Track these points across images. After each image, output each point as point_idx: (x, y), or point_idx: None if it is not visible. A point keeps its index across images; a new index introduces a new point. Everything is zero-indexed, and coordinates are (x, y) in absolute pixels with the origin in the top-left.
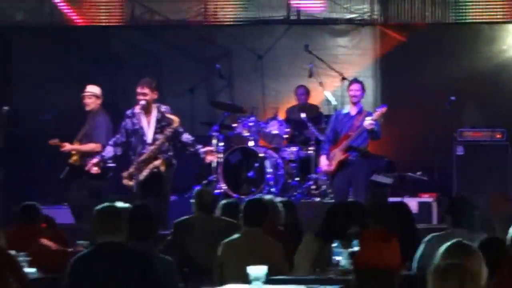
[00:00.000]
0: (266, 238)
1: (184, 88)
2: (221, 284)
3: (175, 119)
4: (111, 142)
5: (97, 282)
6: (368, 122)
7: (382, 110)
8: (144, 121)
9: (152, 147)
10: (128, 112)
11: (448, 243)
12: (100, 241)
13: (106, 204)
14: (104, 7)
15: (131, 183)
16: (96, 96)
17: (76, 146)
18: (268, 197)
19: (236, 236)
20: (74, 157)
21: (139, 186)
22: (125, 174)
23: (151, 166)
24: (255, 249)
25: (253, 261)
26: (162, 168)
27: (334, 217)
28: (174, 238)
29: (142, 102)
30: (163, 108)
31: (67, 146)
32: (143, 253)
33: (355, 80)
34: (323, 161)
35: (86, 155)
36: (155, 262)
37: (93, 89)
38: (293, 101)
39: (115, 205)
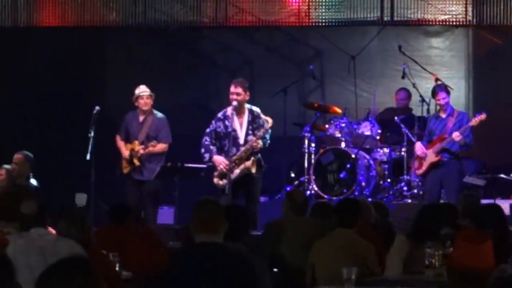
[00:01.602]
0: (358, 239)
1: (277, 89)
2: (313, 285)
3: (269, 120)
4: (210, 145)
5: (195, 282)
6: (455, 134)
7: (481, 117)
8: (236, 123)
9: (244, 148)
10: (220, 114)
11: None
12: (198, 241)
13: (207, 202)
14: (196, 7)
15: (221, 182)
16: (152, 96)
17: (151, 149)
18: (360, 198)
19: (328, 237)
20: (136, 161)
21: (230, 186)
22: (216, 173)
23: (242, 166)
24: (347, 250)
25: (345, 262)
26: (253, 169)
27: (426, 218)
28: (265, 238)
29: (235, 103)
30: (255, 110)
31: (143, 151)
32: (243, 254)
33: (440, 88)
34: (418, 146)
35: (146, 158)
36: (253, 264)
37: (148, 89)
38: (386, 102)
39: (216, 204)
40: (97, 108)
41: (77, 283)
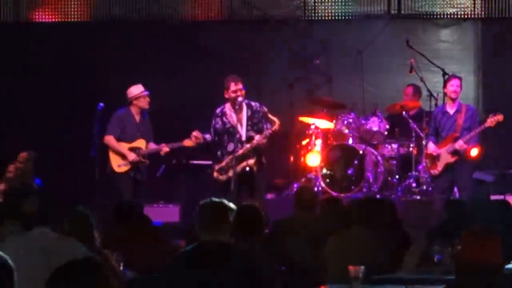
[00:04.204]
0: (370, 237)
1: (283, 84)
2: (324, 284)
3: (277, 121)
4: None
5: (199, 281)
6: (459, 144)
7: (498, 118)
8: (235, 119)
9: (248, 145)
10: (218, 110)
11: None
12: (203, 239)
13: (211, 200)
14: (202, 2)
15: (221, 177)
16: None
17: (166, 146)
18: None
19: (339, 235)
20: (144, 160)
21: (235, 183)
22: (216, 167)
23: (244, 164)
24: (358, 249)
25: (356, 260)
26: (255, 168)
27: (452, 216)
28: (272, 237)
29: (240, 99)
30: (254, 104)
31: (167, 148)
32: (247, 253)
33: (454, 76)
34: (431, 146)
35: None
36: (260, 263)
37: None
38: (394, 97)
39: (221, 202)
40: (101, 104)
41: (88, 285)
